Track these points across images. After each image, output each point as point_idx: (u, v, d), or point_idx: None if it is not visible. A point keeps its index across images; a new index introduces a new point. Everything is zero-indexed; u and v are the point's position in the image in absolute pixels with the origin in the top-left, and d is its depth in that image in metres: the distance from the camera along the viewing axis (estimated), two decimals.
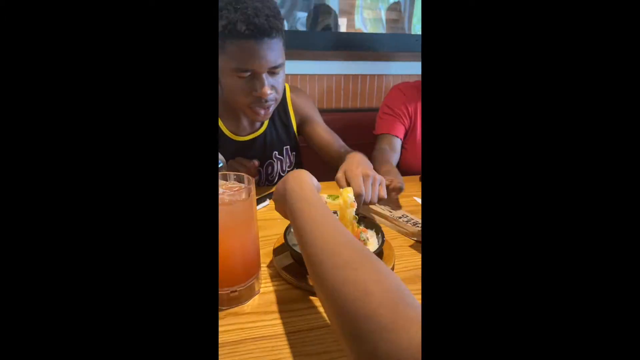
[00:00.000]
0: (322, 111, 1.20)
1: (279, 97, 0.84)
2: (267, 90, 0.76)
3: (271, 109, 0.85)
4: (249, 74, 0.75)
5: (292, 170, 1.04)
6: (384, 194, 0.66)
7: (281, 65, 0.77)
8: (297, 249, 0.56)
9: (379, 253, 0.57)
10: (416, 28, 1.62)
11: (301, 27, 1.46)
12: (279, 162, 1.02)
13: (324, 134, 1.01)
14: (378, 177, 0.67)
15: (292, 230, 0.62)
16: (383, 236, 0.59)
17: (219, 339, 0.42)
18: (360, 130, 1.29)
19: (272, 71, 0.76)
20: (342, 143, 0.97)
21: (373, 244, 0.59)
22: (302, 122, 1.04)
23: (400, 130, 1.13)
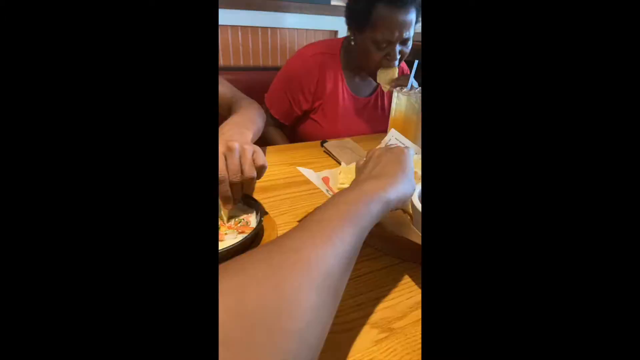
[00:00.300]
0: None
1: None
2: None
3: None
4: None
5: None
6: (250, 172, 0.47)
7: None
8: None
9: (258, 231, 0.47)
10: None
11: None
12: None
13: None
14: (248, 148, 0.48)
15: None
16: (262, 214, 0.49)
17: None
18: (253, 94, 1.14)
19: None
20: (233, 90, 0.80)
21: (252, 223, 0.50)
22: None
23: (287, 117, 1.03)
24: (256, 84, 1.17)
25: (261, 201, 0.52)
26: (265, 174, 0.70)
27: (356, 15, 0.88)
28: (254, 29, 1.32)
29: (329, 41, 1.05)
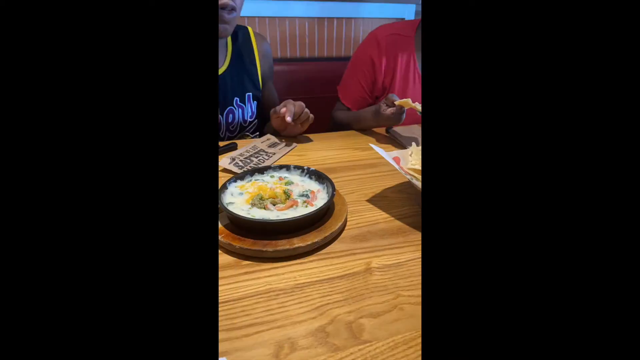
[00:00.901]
0: (283, 61, 1.06)
1: (237, 14, 0.78)
2: None
3: (227, 27, 0.78)
4: None
5: (253, 121, 0.95)
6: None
7: None
8: (232, 208, 0.49)
9: (328, 207, 0.50)
10: None
11: None
12: (240, 110, 0.92)
13: (271, 95, 1.00)
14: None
15: (226, 188, 0.54)
16: (334, 190, 0.52)
17: None
18: (325, 84, 1.17)
19: None
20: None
21: (322, 198, 0.53)
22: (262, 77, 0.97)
23: (359, 105, 0.97)
24: (330, 72, 1.20)
25: None
26: (330, 157, 0.74)
27: None
28: (330, 20, 1.37)
29: (404, 22, 1.00)
